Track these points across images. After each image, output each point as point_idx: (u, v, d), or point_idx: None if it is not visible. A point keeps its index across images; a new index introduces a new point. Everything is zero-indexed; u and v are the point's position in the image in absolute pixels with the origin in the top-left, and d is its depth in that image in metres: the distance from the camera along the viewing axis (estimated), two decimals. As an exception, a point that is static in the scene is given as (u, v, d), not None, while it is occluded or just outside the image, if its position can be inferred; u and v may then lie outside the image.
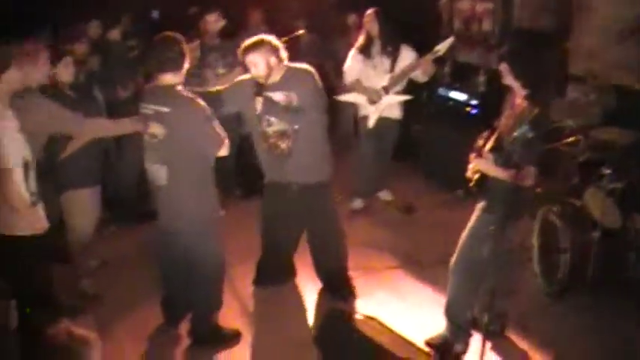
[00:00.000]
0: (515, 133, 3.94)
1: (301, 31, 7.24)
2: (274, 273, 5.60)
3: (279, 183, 5.16)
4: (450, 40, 6.26)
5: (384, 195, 7.32)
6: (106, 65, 6.56)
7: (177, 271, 4.71)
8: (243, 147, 7.19)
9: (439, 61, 7.73)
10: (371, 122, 6.73)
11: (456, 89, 7.47)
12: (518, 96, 4.13)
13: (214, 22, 6.78)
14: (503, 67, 4.14)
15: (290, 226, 5.39)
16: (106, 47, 6.88)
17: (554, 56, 6.71)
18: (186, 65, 4.35)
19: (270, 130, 4.92)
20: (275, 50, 4.81)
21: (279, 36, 7.28)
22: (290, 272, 5.67)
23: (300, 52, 7.72)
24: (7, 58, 4.13)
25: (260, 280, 5.62)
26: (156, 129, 4.25)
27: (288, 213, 5.26)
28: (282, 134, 4.91)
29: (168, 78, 4.28)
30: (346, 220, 5.78)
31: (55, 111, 4.54)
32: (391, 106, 6.73)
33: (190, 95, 4.28)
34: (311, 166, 5.03)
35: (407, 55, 6.60)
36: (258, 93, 4.78)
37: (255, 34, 7.54)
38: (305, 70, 4.95)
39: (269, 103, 4.82)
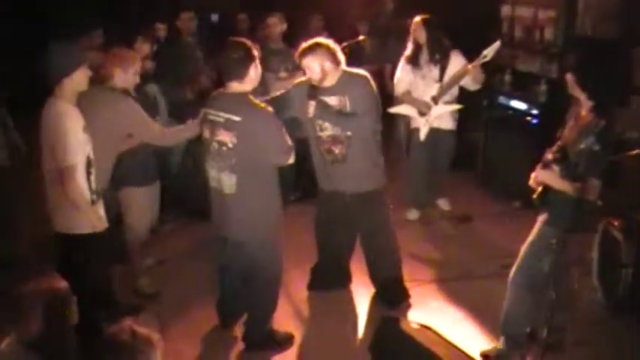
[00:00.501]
0: (581, 146, 3.88)
1: (361, 37, 7.25)
2: (329, 278, 5.60)
3: (332, 189, 5.18)
4: (496, 45, 6.09)
5: (443, 204, 7.24)
6: (167, 67, 6.63)
7: (235, 275, 4.74)
8: (298, 151, 7.22)
9: (499, 69, 7.66)
10: (422, 135, 6.67)
11: (516, 98, 7.37)
12: (584, 107, 4.04)
13: (275, 25, 6.82)
14: (569, 78, 4.06)
15: (344, 233, 5.40)
16: (168, 49, 6.97)
17: (619, 66, 6.58)
18: (254, 72, 4.31)
19: (323, 134, 4.94)
20: (331, 54, 4.82)
21: (339, 41, 7.32)
22: (345, 278, 5.66)
23: (360, 57, 7.72)
24: (77, 57, 4.24)
25: (315, 285, 5.63)
26: (226, 137, 4.26)
27: (341, 219, 5.27)
28: (335, 139, 4.92)
29: (236, 85, 4.28)
30: (401, 230, 5.74)
31: (141, 116, 4.71)
32: (442, 116, 6.61)
33: (261, 103, 4.28)
34: (363, 174, 5.03)
35: (456, 63, 6.44)
36: (313, 96, 4.79)
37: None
38: (360, 76, 4.95)
39: (323, 107, 4.83)
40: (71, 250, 4.46)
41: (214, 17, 11.89)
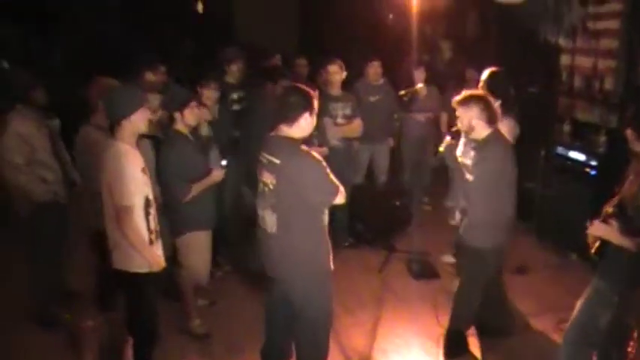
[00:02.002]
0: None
1: (419, 85, 7.28)
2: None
3: (459, 237, 5.26)
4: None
5: (446, 258, 7.09)
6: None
7: (281, 319, 4.70)
8: (354, 196, 7.26)
9: (558, 119, 7.59)
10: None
11: (575, 149, 7.26)
12: None
13: (336, 72, 6.87)
14: (630, 133, 4.00)
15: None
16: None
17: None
18: (305, 121, 4.29)
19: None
20: (484, 111, 4.86)
21: (397, 88, 7.37)
22: None
23: (418, 104, 7.75)
24: (137, 98, 4.35)
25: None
26: (268, 178, 4.31)
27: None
28: (465, 190, 5.08)
29: (285, 129, 4.30)
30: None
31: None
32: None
33: (304, 149, 4.28)
34: (475, 230, 5.02)
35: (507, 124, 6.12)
36: (453, 139, 5.13)
37: (374, 85, 7.73)
38: (502, 145, 4.95)
39: (452, 152, 5.11)
40: (127, 287, 4.55)
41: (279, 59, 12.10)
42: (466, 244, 5.10)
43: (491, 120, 4.89)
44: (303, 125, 4.28)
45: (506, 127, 5.57)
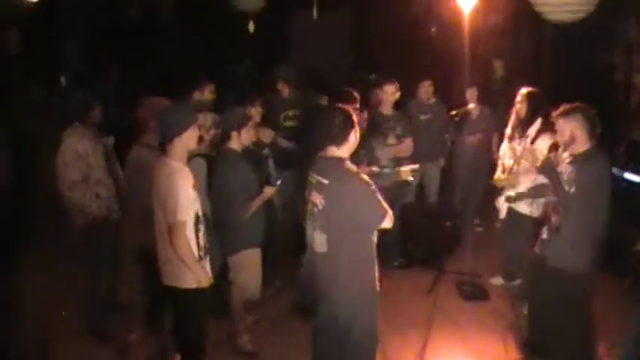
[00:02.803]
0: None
1: (471, 105, 7.23)
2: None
3: (541, 254, 5.11)
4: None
5: (495, 280, 6.97)
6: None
7: (328, 340, 4.69)
8: (405, 215, 7.22)
9: (613, 140, 7.46)
10: (502, 213, 6.52)
11: (630, 170, 7.12)
12: None
13: (392, 93, 6.88)
14: None
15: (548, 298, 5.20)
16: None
17: None
18: (353, 138, 4.33)
19: (551, 198, 5.04)
20: (587, 123, 4.80)
21: (450, 107, 7.32)
22: None
23: (471, 124, 7.70)
24: (189, 117, 4.45)
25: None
26: (316, 198, 4.33)
27: (546, 285, 5.13)
28: (555, 207, 4.95)
29: (332, 150, 4.33)
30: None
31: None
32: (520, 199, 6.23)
33: (352, 169, 4.30)
34: (568, 252, 4.89)
35: (540, 146, 5.86)
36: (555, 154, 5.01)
37: (426, 104, 7.71)
38: (603, 158, 4.88)
39: (550, 168, 4.94)
40: (176, 302, 4.62)
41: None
42: (557, 266, 4.93)
43: (592, 134, 4.80)
44: (350, 143, 4.33)
45: (547, 143, 5.53)
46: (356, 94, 5.82)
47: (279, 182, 5.48)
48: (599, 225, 4.84)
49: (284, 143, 6.99)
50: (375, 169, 5.75)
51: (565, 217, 4.82)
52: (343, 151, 4.32)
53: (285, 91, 7.20)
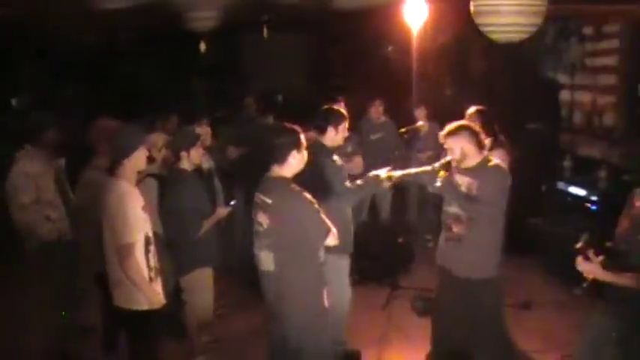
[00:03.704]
0: (637, 237, 3.83)
1: (420, 123, 7.35)
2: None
3: (443, 266, 5.20)
4: None
5: None
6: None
7: (280, 356, 4.71)
8: (359, 233, 7.28)
9: (558, 155, 7.64)
10: None
11: (575, 184, 7.30)
12: (638, 198, 4.02)
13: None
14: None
15: (455, 315, 5.25)
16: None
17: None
18: (294, 159, 4.34)
19: (448, 209, 5.07)
20: (473, 138, 4.93)
21: (399, 125, 7.42)
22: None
23: (420, 141, 7.82)
24: (137, 138, 4.47)
25: None
26: (262, 218, 4.35)
27: (454, 301, 5.19)
28: (457, 219, 4.99)
29: (276, 169, 4.36)
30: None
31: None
32: None
33: (296, 188, 4.32)
34: (476, 260, 4.97)
35: (497, 155, 5.86)
36: (447, 170, 5.04)
37: (376, 123, 7.81)
38: (498, 168, 4.99)
39: (453, 184, 5.01)
40: (128, 325, 4.60)
41: (278, 98, 12.35)
42: (469, 277, 5.01)
43: (480, 146, 4.96)
44: (293, 163, 4.35)
45: (498, 159, 5.63)
46: (344, 114, 5.74)
47: (232, 203, 5.50)
48: (500, 234, 4.98)
49: (234, 153, 7.06)
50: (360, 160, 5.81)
51: (470, 227, 4.90)
52: (285, 170, 4.34)
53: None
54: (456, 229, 4.99)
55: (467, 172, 4.96)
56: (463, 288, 5.03)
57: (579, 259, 4.08)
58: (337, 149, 5.50)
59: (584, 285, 4.10)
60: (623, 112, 7.51)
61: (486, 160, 4.98)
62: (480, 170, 4.91)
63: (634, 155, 4.11)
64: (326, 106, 5.49)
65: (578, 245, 4.09)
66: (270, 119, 7.39)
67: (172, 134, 5.93)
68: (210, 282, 5.46)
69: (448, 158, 5.06)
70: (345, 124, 5.39)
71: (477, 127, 5.05)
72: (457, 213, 4.97)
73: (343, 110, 5.52)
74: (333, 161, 5.24)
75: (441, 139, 5.04)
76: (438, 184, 5.04)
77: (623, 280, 3.91)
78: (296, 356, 4.49)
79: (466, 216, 4.90)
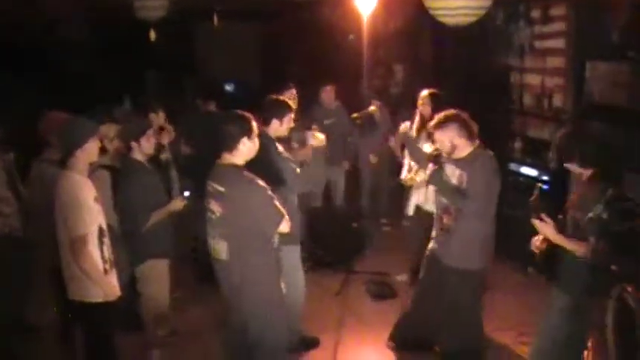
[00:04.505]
0: (590, 214, 3.89)
1: (372, 108, 7.35)
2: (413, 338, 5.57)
3: (434, 256, 5.24)
4: None
5: (402, 278, 7.14)
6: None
7: (239, 348, 4.69)
8: (313, 219, 7.29)
9: (509, 136, 7.72)
10: (409, 210, 6.66)
11: (526, 165, 7.39)
12: (584, 175, 4.11)
13: (292, 98, 6.88)
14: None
15: (434, 299, 5.32)
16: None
17: (628, 132, 6.61)
18: (244, 147, 4.32)
19: (441, 200, 5.10)
20: (463, 129, 4.91)
21: (351, 111, 7.41)
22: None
23: (373, 126, 7.82)
24: (89, 129, 4.39)
25: (396, 339, 5.63)
26: (214, 206, 4.32)
27: (433, 284, 5.26)
28: (446, 209, 5.02)
29: (226, 157, 4.33)
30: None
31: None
32: (427, 197, 6.32)
33: (248, 176, 4.30)
34: (464, 250, 5.00)
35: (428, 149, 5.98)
36: (436, 163, 5.04)
37: (328, 109, 7.79)
38: (488, 157, 4.99)
39: (443, 176, 5.02)
40: (83, 318, 4.54)
41: (229, 87, 12.29)
42: (450, 265, 5.05)
43: (471, 136, 4.94)
44: (244, 150, 4.32)
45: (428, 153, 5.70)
46: (291, 105, 5.68)
47: (187, 194, 5.43)
48: (489, 226, 5.01)
49: (187, 150, 6.99)
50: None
51: (458, 218, 4.94)
52: (236, 158, 4.32)
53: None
54: (445, 219, 5.03)
55: (458, 163, 4.97)
56: (448, 276, 5.06)
57: (534, 220, 4.17)
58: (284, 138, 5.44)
59: (536, 261, 4.17)
60: (571, 93, 7.60)
61: (478, 151, 4.97)
62: (470, 162, 4.91)
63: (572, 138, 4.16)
64: (271, 97, 5.42)
65: (532, 198, 4.22)
66: (212, 107, 7.33)
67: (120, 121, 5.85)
68: (166, 273, 5.39)
69: (432, 151, 5.09)
70: (291, 116, 5.30)
71: (466, 116, 4.98)
72: (446, 204, 5.02)
73: (290, 101, 5.47)
74: (278, 151, 5.16)
75: (430, 130, 5.04)
76: (427, 174, 5.03)
77: (571, 245, 4.04)
78: (255, 346, 4.50)
79: (454, 208, 4.93)
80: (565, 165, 4.19)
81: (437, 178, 5.02)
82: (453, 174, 4.98)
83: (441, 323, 5.27)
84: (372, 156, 8.37)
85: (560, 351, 4.09)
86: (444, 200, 5.03)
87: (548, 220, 4.14)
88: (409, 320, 5.60)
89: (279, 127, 5.23)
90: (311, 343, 5.73)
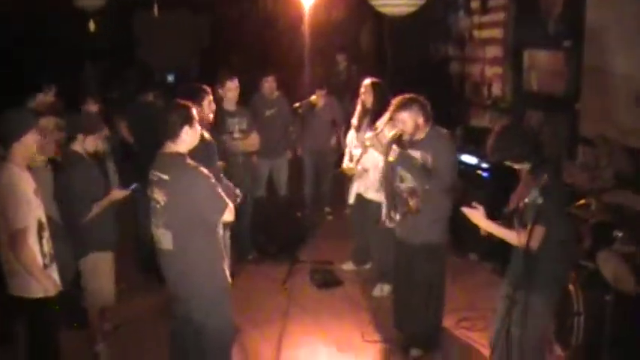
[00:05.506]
0: (526, 199, 3.98)
1: (314, 97, 7.36)
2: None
3: (401, 238, 5.33)
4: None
5: (346, 266, 7.20)
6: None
7: (185, 339, 4.66)
8: (256, 209, 7.28)
9: (450, 125, 7.82)
10: (351, 198, 6.70)
11: (467, 153, 7.50)
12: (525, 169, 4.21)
13: (232, 89, 6.86)
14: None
15: (407, 279, 5.40)
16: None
17: (564, 119, 6.76)
18: (187, 135, 4.28)
19: (402, 185, 5.16)
20: (424, 111, 5.03)
21: (293, 100, 7.41)
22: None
23: (315, 115, 7.84)
24: (27, 121, 4.30)
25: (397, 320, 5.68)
26: (158, 195, 4.29)
27: (409, 266, 5.33)
28: (413, 192, 5.09)
29: (170, 145, 4.29)
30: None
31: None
32: (367, 184, 6.42)
33: (192, 164, 4.28)
34: (430, 227, 5.14)
35: (388, 135, 5.89)
36: (400, 145, 5.05)
37: (269, 99, 7.79)
38: (446, 136, 5.17)
39: (408, 158, 5.05)
40: (24, 313, 4.45)
41: (170, 77, 12.18)
42: (419, 243, 5.16)
43: (429, 118, 5.07)
44: (186, 139, 4.29)
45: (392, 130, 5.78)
46: (206, 89, 5.69)
47: (134, 186, 5.37)
48: (450, 201, 5.14)
49: (128, 140, 6.95)
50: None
51: (425, 199, 5.04)
52: (180, 146, 4.29)
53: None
54: (411, 202, 5.10)
55: (417, 145, 5.07)
56: (416, 253, 5.19)
57: (464, 208, 4.26)
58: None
59: (479, 248, 4.24)
60: (510, 82, 7.74)
61: (434, 132, 5.11)
62: (430, 142, 5.04)
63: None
64: (185, 85, 5.46)
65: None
66: (150, 97, 7.26)
67: (59, 115, 5.75)
68: (110, 266, 5.34)
69: (397, 131, 5.10)
70: (210, 99, 5.38)
71: (424, 98, 5.11)
72: (413, 187, 5.08)
73: (233, 91, 5.49)
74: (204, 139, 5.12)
75: (392, 112, 5.09)
76: (392, 158, 5.06)
77: (502, 232, 4.15)
78: (200, 336, 4.48)
79: (421, 189, 5.02)
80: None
81: (405, 160, 5.06)
82: (417, 155, 5.07)
83: (411, 304, 5.39)
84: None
85: (513, 338, 4.15)
86: (409, 183, 5.11)
87: (478, 207, 4.23)
88: (398, 305, 5.67)
89: (201, 112, 5.23)
90: None
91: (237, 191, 5.21)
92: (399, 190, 5.19)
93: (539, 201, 3.87)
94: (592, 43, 6.43)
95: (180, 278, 4.38)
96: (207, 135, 5.26)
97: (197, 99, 5.26)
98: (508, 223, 4.22)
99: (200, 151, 4.67)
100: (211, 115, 5.40)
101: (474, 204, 4.26)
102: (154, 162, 4.36)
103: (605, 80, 6.24)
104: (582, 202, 5.40)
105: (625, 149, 5.76)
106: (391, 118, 5.28)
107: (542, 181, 3.92)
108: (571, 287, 5.06)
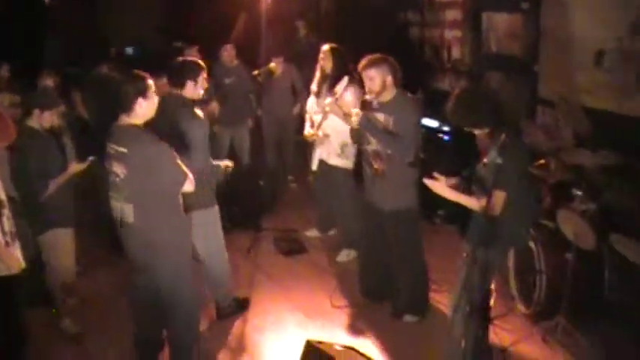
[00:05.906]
0: (485, 160, 4.01)
1: (273, 64, 7.31)
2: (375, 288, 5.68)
3: (371, 201, 5.34)
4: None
5: (311, 233, 7.25)
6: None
7: (149, 308, 4.67)
8: (230, 180, 7.24)
9: (410, 89, 7.83)
10: (313, 165, 6.69)
11: (428, 116, 7.52)
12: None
13: (195, 57, 6.77)
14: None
15: (381, 244, 5.44)
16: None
17: (523, 80, 6.81)
18: (139, 107, 4.23)
19: (369, 148, 5.17)
20: (394, 71, 4.99)
21: (253, 68, 7.35)
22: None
23: (274, 82, 7.79)
24: None
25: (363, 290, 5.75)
26: (118, 168, 4.25)
27: (378, 232, 5.37)
28: (377, 154, 5.10)
29: (124, 118, 4.26)
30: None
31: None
32: (330, 151, 6.39)
33: (149, 135, 4.24)
34: (398, 192, 5.15)
35: (347, 99, 5.93)
36: (365, 108, 5.02)
37: (228, 67, 7.72)
38: (412, 100, 5.17)
39: (371, 121, 5.02)
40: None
41: (129, 50, 12.00)
42: (388, 209, 5.19)
43: (397, 80, 5.04)
44: (139, 111, 4.25)
45: (353, 95, 5.83)
46: (201, 65, 5.50)
47: (90, 159, 5.29)
48: (417, 172, 5.13)
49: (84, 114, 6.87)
50: None
51: (389, 163, 5.05)
52: (134, 118, 4.24)
53: None
54: (376, 165, 5.13)
55: (382, 108, 5.05)
56: (386, 219, 5.23)
57: (425, 179, 4.28)
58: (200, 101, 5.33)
59: (440, 213, 4.28)
60: (469, 45, 7.76)
61: (400, 95, 5.09)
62: (395, 105, 5.02)
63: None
64: (180, 59, 5.30)
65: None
66: (104, 69, 7.16)
67: (14, 91, 5.66)
68: (70, 242, 5.29)
69: (366, 97, 5.08)
70: (204, 75, 5.17)
71: (393, 60, 5.07)
72: (376, 149, 5.09)
73: (199, 60, 5.34)
74: (195, 115, 5.05)
75: (362, 69, 5.04)
76: (355, 120, 5.05)
77: (464, 200, 4.17)
78: (167, 306, 4.50)
79: (385, 152, 5.02)
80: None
81: (368, 122, 5.05)
82: (380, 119, 5.06)
83: (392, 273, 5.44)
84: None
85: (470, 297, 4.19)
86: (374, 146, 5.11)
87: (439, 177, 4.25)
88: (365, 271, 5.73)
89: (195, 89, 5.09)
90: (243, 303, 5.74)
91: (227, 162, 5.48)
92: (367, 153, 5.21)
93: (498, 160, 3.89)
94: (549, 5, 6.47)
95: (143, 250, 4.36)
96: (199, 113, 5.16)
97: (194, 74, 5.08)
98: (468, 187, 4.25)
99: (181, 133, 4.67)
100: (202, 92, 5.22)
101: (434, 174, 4.27)
102: (110, 135, 4.31)
103: (562, 42, 6.27)
104: (542, 162, 5.47)
105: (583, 109, 5.81)
106: (353, 82, 5.26)
107: (501, 141, 3.95)
108: (532, 246, 5.14)
